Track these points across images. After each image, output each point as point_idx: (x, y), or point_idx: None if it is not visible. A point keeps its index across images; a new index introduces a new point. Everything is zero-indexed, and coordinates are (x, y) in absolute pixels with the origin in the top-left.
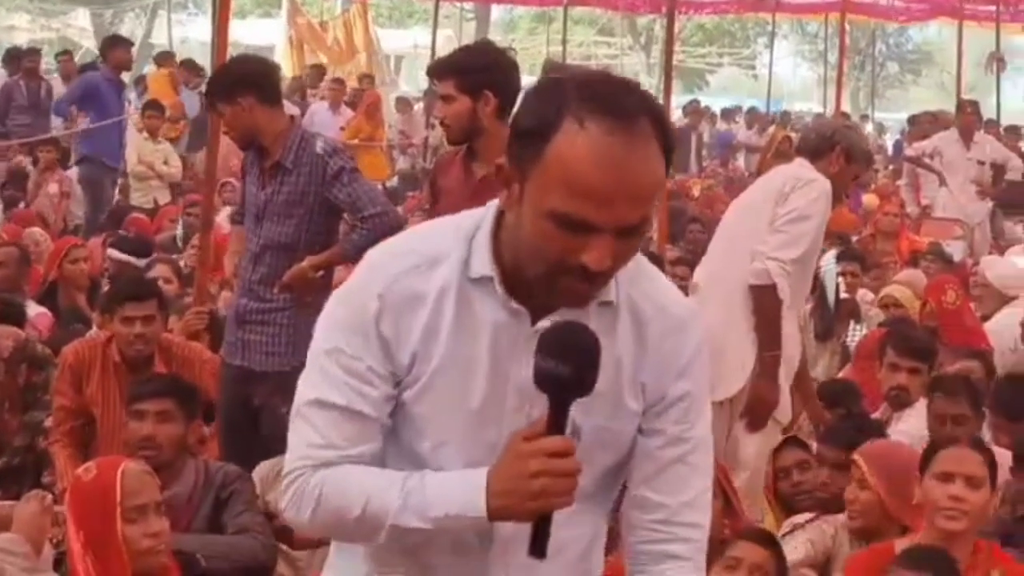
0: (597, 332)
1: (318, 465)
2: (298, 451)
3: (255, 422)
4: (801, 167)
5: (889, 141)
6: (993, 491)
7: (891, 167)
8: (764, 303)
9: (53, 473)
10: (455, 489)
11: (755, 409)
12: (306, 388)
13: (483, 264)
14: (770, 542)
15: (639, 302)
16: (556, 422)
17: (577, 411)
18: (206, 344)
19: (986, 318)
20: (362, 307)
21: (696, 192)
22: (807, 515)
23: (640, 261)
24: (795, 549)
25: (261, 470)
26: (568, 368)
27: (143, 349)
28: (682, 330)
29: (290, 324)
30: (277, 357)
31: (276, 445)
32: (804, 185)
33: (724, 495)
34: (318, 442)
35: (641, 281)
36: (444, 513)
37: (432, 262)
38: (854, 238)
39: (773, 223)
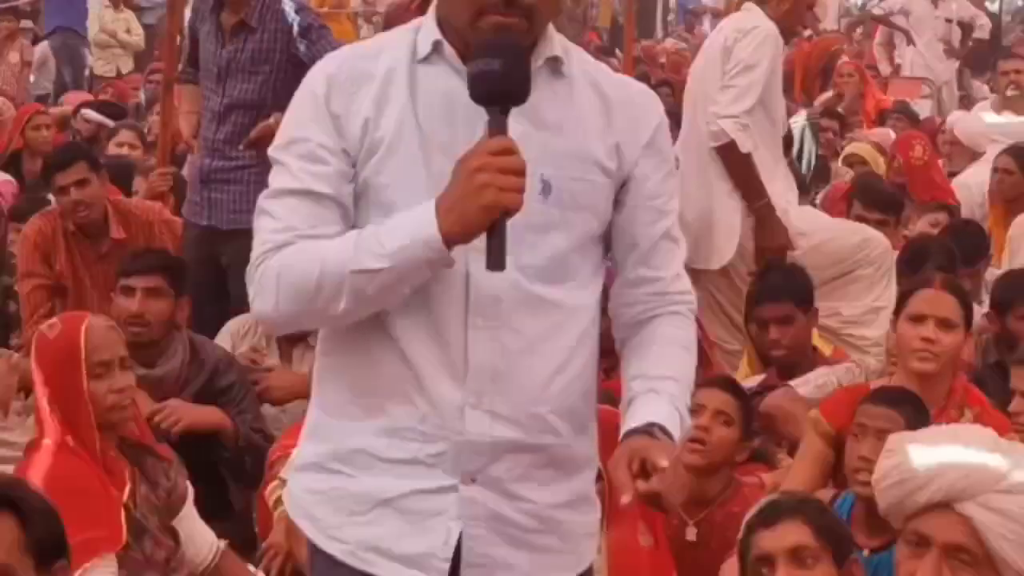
0: (551, 97)
1: (278, 246)
2: (259, 242)
3: (223, 282)
4: (746, 14)
5: None
6: (968, 333)
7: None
8: (731, 161)
9: (20, 336)
10: (406, 221)
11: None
12: (265, 190)
13: (429, 36)
14: (733, 388)
15: (596, 76)
16: (497, 130)
17: (546, 167)
18: (170, 206)
19: (954, 175)
20: (311, 94)
21: (663, 58)
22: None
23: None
24: (819, 386)
25: (232, 326)
26: (497, 62)
27: (87, 213)
28: (645, 103)
29: (257, 181)
30: (245, 215)
31: (244, 305)
32: (746, 35)
33: (699, 348)
34: (276, 227)
35: (598, 66)
36: (398, 245)
37: (379, 50)
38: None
39: (722, 80)
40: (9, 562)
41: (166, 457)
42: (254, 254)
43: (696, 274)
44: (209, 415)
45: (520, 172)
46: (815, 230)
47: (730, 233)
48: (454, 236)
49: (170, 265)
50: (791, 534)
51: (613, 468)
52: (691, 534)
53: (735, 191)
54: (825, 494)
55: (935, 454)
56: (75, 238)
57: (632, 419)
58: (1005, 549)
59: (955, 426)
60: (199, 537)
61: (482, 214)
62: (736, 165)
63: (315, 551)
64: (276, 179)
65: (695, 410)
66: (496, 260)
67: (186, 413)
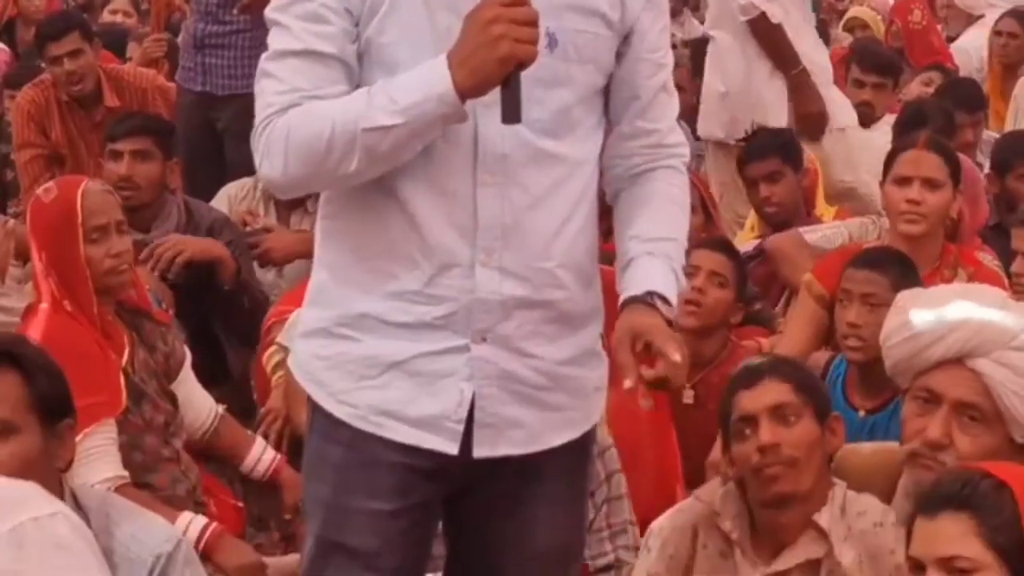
0: None
1: (284, 108)
2: (263, 104)
3: (219, 148)
4: None
5: None
6: (957, 191)
7: None
8: (762, 33)
9: (18, 204)
10: (417, 76)
11: (807, 126)
12: (266, 52)
13: None
14: (727, 249)
15: None
16: None
17: (551, 20)
18: (165, 73)
19: (952, 39)
20: None
21: None
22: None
23: None
24: (827, 236)
25: (229, 190)
26: None
27: (81, 85)
28: None
29: (252, 46)
30: (240, 80)
31: (241, 170)
32: None
33: (704, 209)
34: (281, 89)
35: None
36: (411, 101)
37: None
38: None
39: None
40: (13, 419)
41: (163, 321)
42: (258, 117)
43: (729, 148)
44: (211, 246)
45: (534, 22)
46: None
47: (779, 102)
48: (469, 90)
49: (157, 127)
50: (771, 392)
51: (617, 346)
52: (688, 396)
53: (776, 70)
54: (820, 356)
55: (946, 311)
56: (69, 107)
57: (631, 285)
58: (1016, 406)
59: (963, 285)
60: (198, 401)
61: (497, 66)
62: (768, 36)
63: (317, 411)
64: (277, 40)
65: (690, 272)
66: (512, 113)
67: (189, 244)
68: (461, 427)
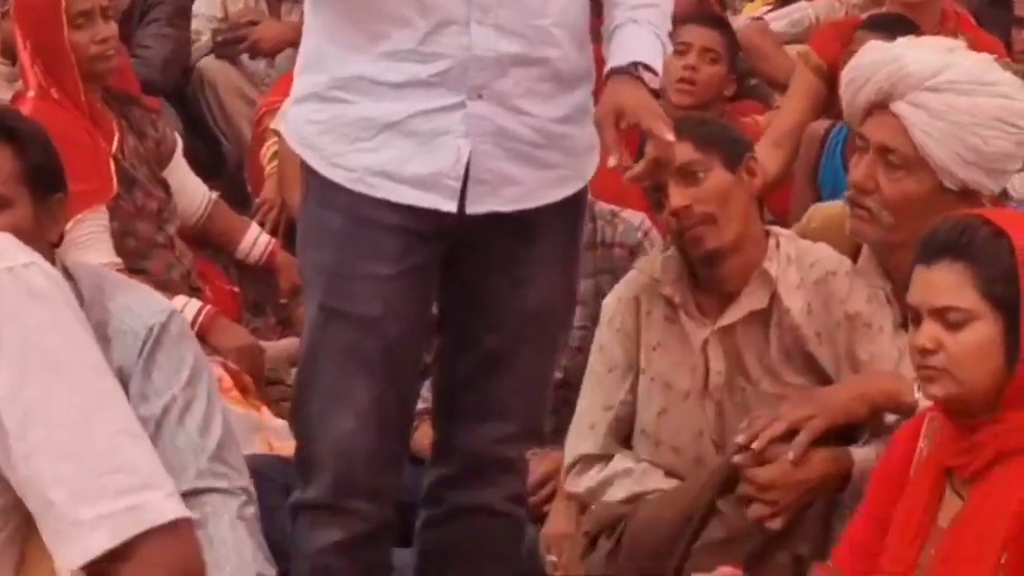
0: None
1: None
2: None
3: None
4: None
5: None
6: None
7: None
8: None
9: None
10: None
11: None
12: None
13: None
14: (718, 23)
15: None
16: None
17: None
18: None
19: None
20: None
21: None
22: None
23: None
24: (794, 21)
25: None
26: None
27: None
28: None
29: None
30: None
31: None
32: None
33: None
34: None
35: None
36: None
37: None
38: None
39: None
40: (5, 192)
41: (153, 108)
42: None
43: None
44: None
45: None
46: None
47: None
48: None
49: None
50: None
51: (602, 123)
52: None
53: None
54: (819, 126)
55: (878, 52)
56: None
57: (616, 55)
58: (929, 146)
59: (926, 38)
60: (190, 187)
61: None
62: None
63: (312, 178)
64: None
65: (681, 50)
66: None
67: None
68: (459, 184)
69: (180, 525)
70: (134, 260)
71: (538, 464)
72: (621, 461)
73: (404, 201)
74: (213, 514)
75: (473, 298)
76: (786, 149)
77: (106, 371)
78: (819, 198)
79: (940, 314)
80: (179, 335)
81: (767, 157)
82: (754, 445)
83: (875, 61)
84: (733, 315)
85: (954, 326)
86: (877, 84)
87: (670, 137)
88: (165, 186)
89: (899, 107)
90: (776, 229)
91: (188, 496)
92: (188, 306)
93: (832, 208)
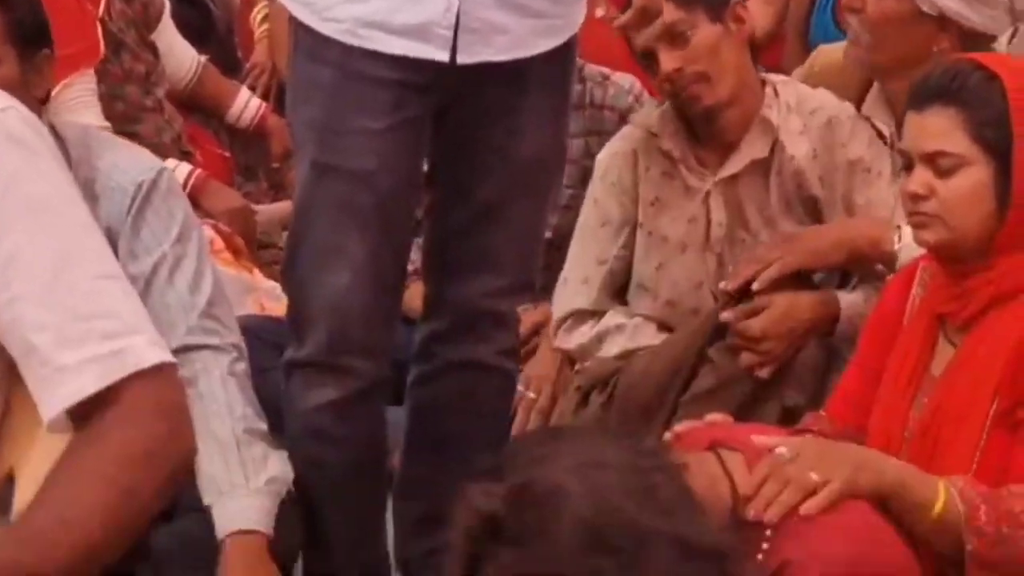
0: None
1: None
2: None
3: None
4: None
5: None
6: None
7: None
8: None
9: None
10: None
11: None
12: None
13: None
14: None
15: None
16: None
17: None
18: None
19: None
20: None
21: None
22: None
23: None
24: None
25: None
26: None
27: None
28: None
29: None
30: None
31: None
32: None
33: None
34: None
35: None
36: None
37: None
38: None
39: None
40: None
41: None
42: None
43: None
44: None
45: None
46: None
47: None
48: None
49: None
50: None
51: None
52: None
53: None
54: None
55: None
56: None
57: None
58: None
59: None
60: (179, 51)
61: None
62: None
63: (301, 32)
64: None
65: None
66: None
67: None
68: (450, 33)
69: (164, 369)
70: (123, 124)
71: (528, 316)
72: (613, 317)
73: (396, 52)
74: (203, 370)
75: (466, 149)
76: (776, 6)
77: (88, 219)
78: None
79: (931, 159)
80: (168, 191)
81: (757, 14)
82: (728, 286)
83: None
84: (735, 165)
85: (945, 172)
86: None
87: None
88: (153, 49)
89: None
90: (772, 76)
91: (178, 352)
92: (179, 169)
93: (834, 51)
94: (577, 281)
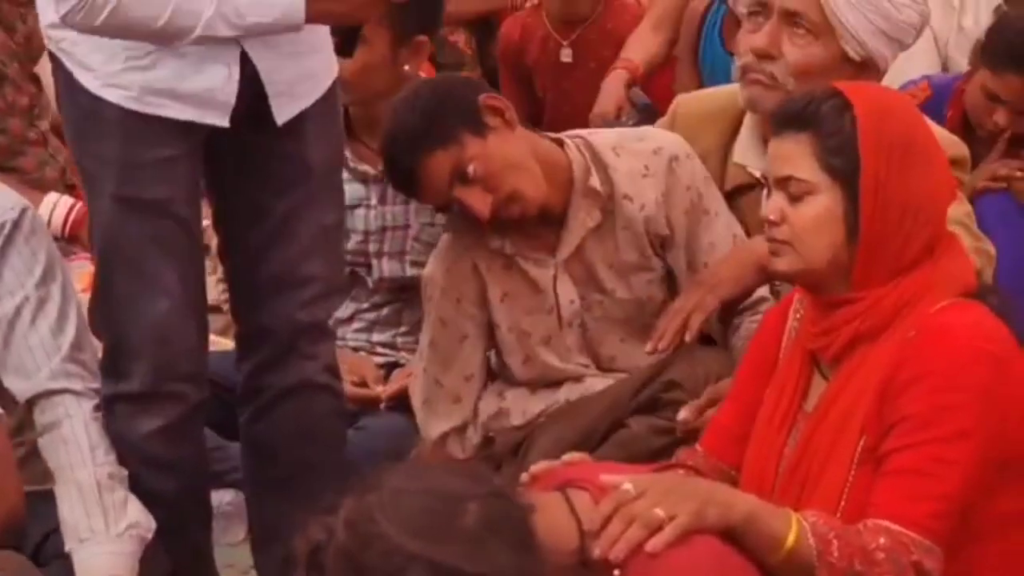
0: None
1: None
2: None
3: None
4: None
5: None
6: None
7: None
8: None
9: None
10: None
11: None
12: None
13: None
14: None
15: None
16: None
17: None
18: None
19: None
20: None
21: None
22: None
23: None
24: None
25: None
26: None
27: None
28: None
29: None
30: None
31: None
32: None
33: None
34: None
35: None
36: (258, 21)
37: None
38: None
39: None
40: None
41: (22, 0)
42: None
43: None
44: None
45: None
46: None
47: None
48: (319, 20)
49: None
50: None
51: None
52: (566, 55)
53: None
54: (699, 5)
55: None
56: None
57: None
58: (842, 10)
59: None
60: None
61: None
62: None
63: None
64: None
65: None
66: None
67: None
68: (232, 99)
69: None
70: (6, 157)
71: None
72: (488, 406)
73: (182, 118)
74: (66, 415)
75: (255, 166)
76: (665, 32)
77: None
78: (701, 79)
79: (783, 185)
80: (31, 232)
81: (648, 41)
82: (660, 345)
83: None
84: (570, 244)
85: (795, 198)
86: None
87: None
88: (36, 81)
89: None
90: (568, 134)
91: (41, 397)
92: (60, 203)
93: (694, 100)
94: (447, 402)
